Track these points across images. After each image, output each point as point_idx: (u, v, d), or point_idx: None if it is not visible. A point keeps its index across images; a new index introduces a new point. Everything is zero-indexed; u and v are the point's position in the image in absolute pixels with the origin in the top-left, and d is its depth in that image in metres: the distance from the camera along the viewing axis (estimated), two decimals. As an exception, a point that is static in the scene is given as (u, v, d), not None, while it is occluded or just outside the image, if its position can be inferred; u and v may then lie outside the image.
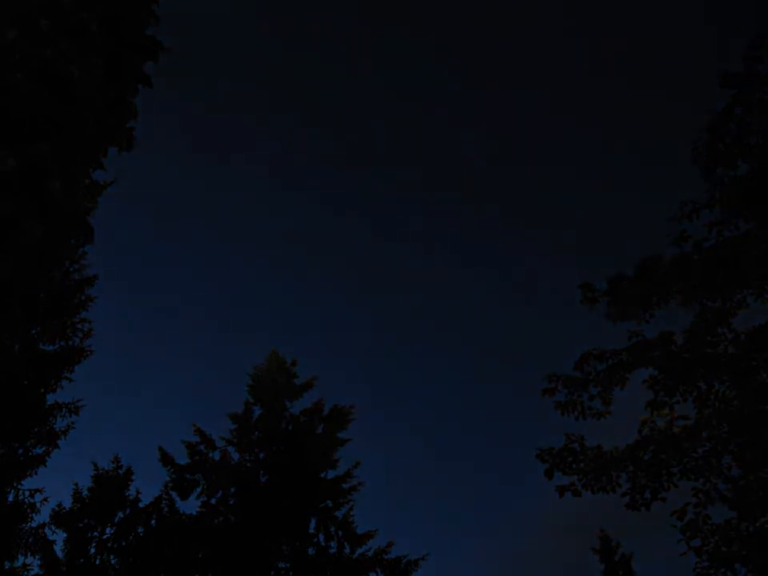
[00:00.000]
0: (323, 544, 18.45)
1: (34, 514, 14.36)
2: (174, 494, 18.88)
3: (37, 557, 15.27)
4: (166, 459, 19.43)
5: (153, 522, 17.95)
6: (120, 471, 18.15)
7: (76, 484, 17.78)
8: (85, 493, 17.69)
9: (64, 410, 14.69)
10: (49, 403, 14.63)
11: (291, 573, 17.93)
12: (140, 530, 17.61)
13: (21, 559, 14.43)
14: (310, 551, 18.33)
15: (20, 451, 14.22)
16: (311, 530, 18.59)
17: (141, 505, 17.98)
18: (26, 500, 14.18)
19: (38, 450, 14.42)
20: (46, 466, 14.44)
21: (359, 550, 18.26)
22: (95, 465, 18.15)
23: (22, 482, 14.16)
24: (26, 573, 14.56)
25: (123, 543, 17.27)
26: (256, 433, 20.40)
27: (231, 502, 19.04)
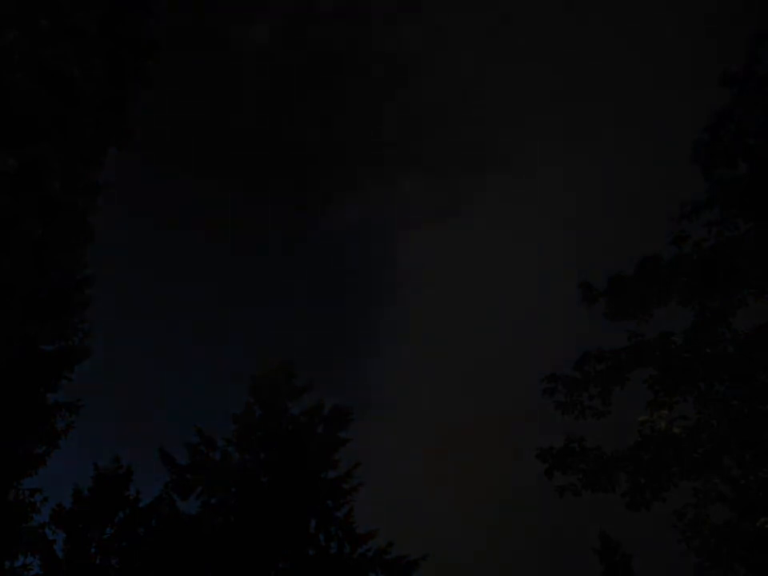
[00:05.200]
0: (323, 544, 18.43)
1: (34, 514, 14.34)
2: (174, 494, 18.88)
3: (37, 557, 15.27)
4: (166, 459, 19.42)
5: (153, 521, 17.94)
6: (120, 471, 18.13)
7: (76, 484, 17.79)
8: (85, 493, 17.68)
9: (64, 410, 14.66)
10: (48, 403, 14.61)
11: (291, 573, 17.91)
12: (140, 529, 17.60)
13: (21, 559, 14.43)
14: (310, 551, 18.31)
15: (20, 451, 14.19)
16: (311, 530, 18.56)
17: (141, 505, 17.98)
18: (26, 500, 14.15)
19: (38, 450, 14.40)
20: (46, 465, 14.42)
21: (359, 550, 18.26)
22: (95, 465, 18.15)
23: (22, 482, 14.14)
24: (25, 573, 14.54)
25: (123, 543, 17.26)
26: (257, 433, 20.39)
27: (232, 503, 19.02)
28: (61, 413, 14.67)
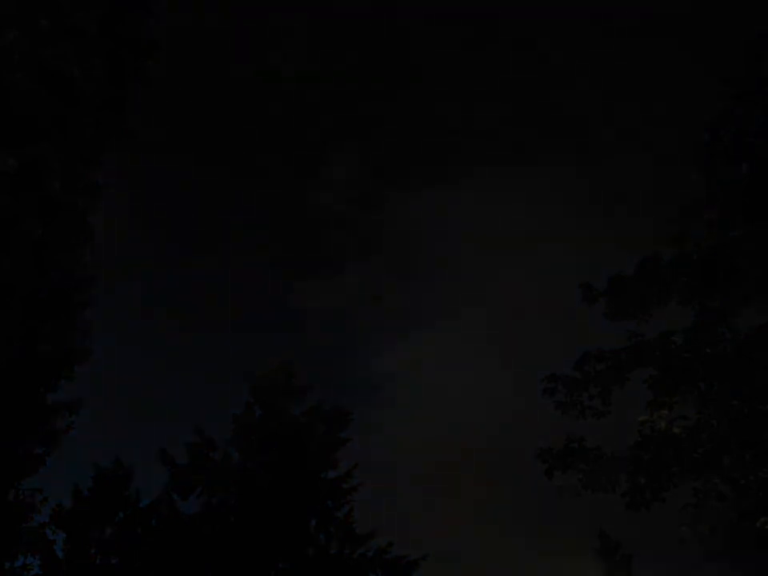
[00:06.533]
0: (323, 544, 18.46)
1: (34, 514, 14.34)
2: (174, 494, 18.89)
3: (37, 557, 15.28)
4: (165, 459, 19.42)
5: (153, 521, 17.96)
6: (120, 471, 18.15)
7: (76, 484, 17.80)
8: (85, 493, 17.70)
9: (64, 410, 14.66)
10: (49, 403, 14.61)
11: (291, 573, 17.93)
12: (140, 529, 17.62)
13: (21, 559, 14.44)
14: (311, 551, 18.34)
15: (20, 451, 14.20)
16: (311, 530, 18.59)
17: (141, 505, 17.99)
18: (26, 500, 14.15)
19: (38, 450, 14.40)
20: (46, 465, 14.43)
21: (359, 550, 18.28)
22: (95, 465, 18.16)
23: (22, 482, 14.14)
24: (25, 573, 14.56)
25: (123, 543, 17.27)
26: (257, 433, 20.40)
27: (232, 503, 19.04)
28: (61, 413, 14.67)
